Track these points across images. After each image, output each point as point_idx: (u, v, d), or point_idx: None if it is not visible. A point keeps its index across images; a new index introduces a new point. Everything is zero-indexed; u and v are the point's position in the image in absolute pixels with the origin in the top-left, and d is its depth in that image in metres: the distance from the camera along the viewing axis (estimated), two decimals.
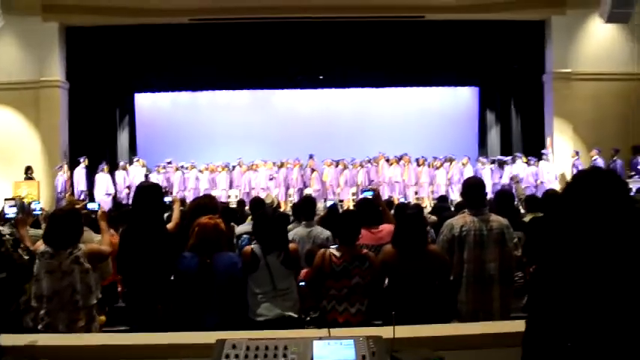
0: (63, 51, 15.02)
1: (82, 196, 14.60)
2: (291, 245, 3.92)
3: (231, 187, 16.35)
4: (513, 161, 15.60)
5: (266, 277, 3.68)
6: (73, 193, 14.47)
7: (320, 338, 2.25)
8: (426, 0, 14.78)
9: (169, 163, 16.45)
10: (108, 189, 15.12)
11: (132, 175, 15.67)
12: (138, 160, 16.33)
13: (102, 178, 15.20)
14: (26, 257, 3.33)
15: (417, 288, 3.68)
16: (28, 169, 14.18)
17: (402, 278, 3.73)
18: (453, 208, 8.16)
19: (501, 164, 15.94)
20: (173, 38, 15.76)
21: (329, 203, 7.49)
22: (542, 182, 14.57)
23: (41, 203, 12.30)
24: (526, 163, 15.31)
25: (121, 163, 16.04)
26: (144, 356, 2.55)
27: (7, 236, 3.35)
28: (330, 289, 3.77)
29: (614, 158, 13.90)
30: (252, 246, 3.83)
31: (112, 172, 15.58)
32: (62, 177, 14.52)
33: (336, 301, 3.76)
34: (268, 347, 2.17)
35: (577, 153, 14.45)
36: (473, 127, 18.69)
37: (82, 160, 15.06)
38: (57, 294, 3.70)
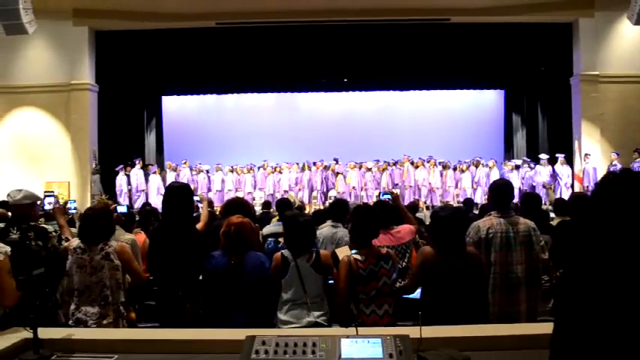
0: (93, 55, 15.33)
1: (138, 196, 15.23)
2: (323, 252, 3.93)
3: (255, 188, 16.49)
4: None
5: (296, 282, 3.69)
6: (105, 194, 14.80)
7: (348, 336, 2.28)
8: (452, 2, 14.73)
9: (201, 163, 16.77)
10: (159, 190, 15.47)
11: (182, 176, 16.01)
12: (185, 163, 16.64)
13: (154, 180, 15.68)
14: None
15: (457, 289, 3.60)
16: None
17: (443, 279, 3.65)
18: (477, 212, 8.11)
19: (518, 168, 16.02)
20: (200, 42, 15.97)
21: None
22: (534, 185, 15.21)
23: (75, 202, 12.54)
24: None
25: (172, 165, 16.40)
26: (175, 351, 2.60)
27: (53, 233, 3.46)
28: (359, 293, 3.73)
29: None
30: (283, 251, 3.84)
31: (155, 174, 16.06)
32: (124, 177, 15.08)
33: (363, 304, 3.73)
34: (297, 344, 2.21)
35: (617, 155, 14.12)
36: (499, 130, 18.54)
37: (137, 161, 15.55)
38: (87, 288, 3.75)
